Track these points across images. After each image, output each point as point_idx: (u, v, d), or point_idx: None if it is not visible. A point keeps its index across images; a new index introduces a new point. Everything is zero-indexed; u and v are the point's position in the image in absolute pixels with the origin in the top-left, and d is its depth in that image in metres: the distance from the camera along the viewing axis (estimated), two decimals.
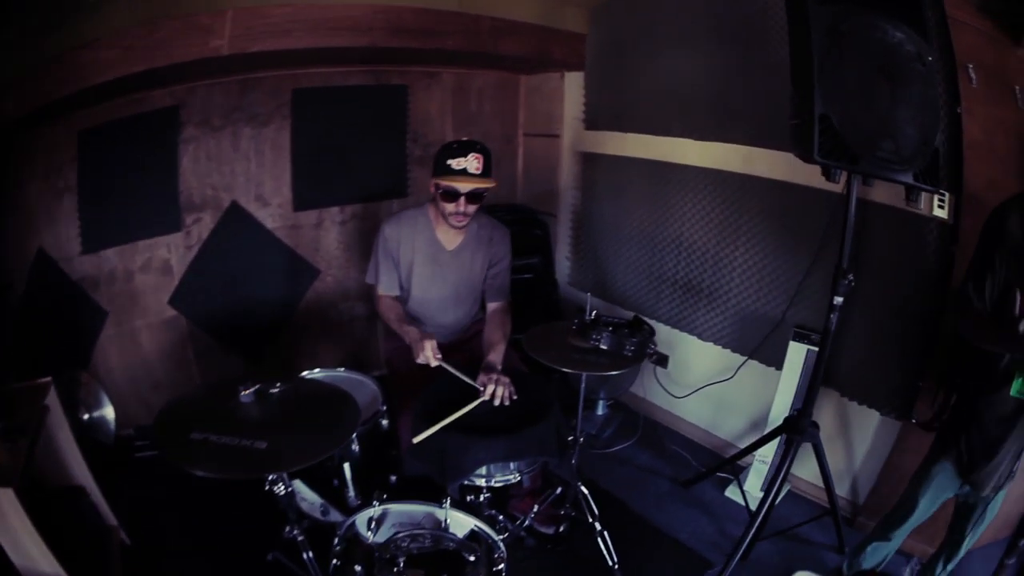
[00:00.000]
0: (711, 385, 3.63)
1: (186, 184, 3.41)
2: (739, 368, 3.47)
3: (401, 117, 4.07)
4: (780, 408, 3.17)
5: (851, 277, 2.44)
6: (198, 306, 3.61)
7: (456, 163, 2.53)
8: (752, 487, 3.29)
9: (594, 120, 4.17)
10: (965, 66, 2.53)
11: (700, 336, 3.70)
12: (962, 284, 2.11)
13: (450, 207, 2.60)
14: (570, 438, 2.61)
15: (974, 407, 2.15)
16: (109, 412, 2.98)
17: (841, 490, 3.17)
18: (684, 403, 3.87)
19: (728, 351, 3.57)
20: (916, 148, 2.26)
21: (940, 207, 2.58)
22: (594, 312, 2.64)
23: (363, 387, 2.76)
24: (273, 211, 3.76)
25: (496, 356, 2.59)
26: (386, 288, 2.81)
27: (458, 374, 2.42)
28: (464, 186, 2.55)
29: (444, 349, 2.53)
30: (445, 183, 2.56)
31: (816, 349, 2.81)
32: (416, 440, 2.16)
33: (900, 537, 2.49)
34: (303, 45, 2.86)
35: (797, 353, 3.10)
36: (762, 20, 3.09)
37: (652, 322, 3.74)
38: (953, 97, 2.56)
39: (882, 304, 2.89)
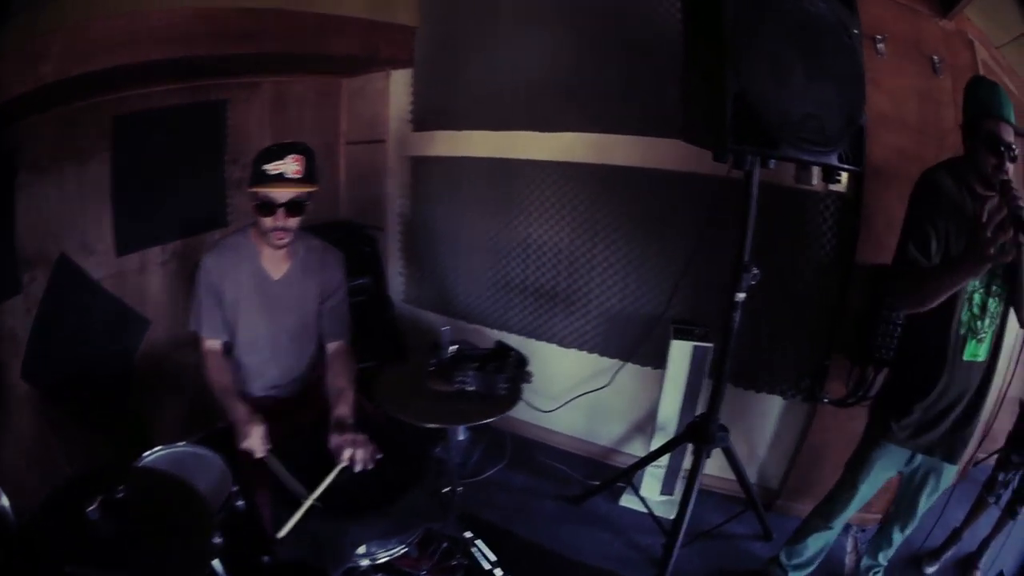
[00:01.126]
0: (586, 395, 3.39)
1: (20, 239, 2.84)
2: (616, 373, 3.26)
3: (219, 136, 3.53)
4: (669, 410, 3.00)
5: (756, 271, 2.28)
6: (47, 377, 3.00)
7: (272, 167, 2.18)
8: (650, 492, 3.11)
9: (423, 120, 3.78)
10: (872, 37, 2.51)
11: (561, 343, 3.45)
12: (900, 252, 2.03)
13: (268, 222, 2.22)
14: (446, 490, 2.42)
15: (920, 378, 2.11)
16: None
17: (751, 476, 3.09)
18: (553, 414, 3.56)
19: (596, 356, 3.36)
20: (842, 126, 2.08)
21: (836, 181, 2.40)
22: (453, 347, 2.42)
23: (209, 465, 2.24)
24: (99, 259, 3.16)
25: (346, 408, 2.21)
26: (210, 332, 2.35)
27: (286, 477, 2.00)
28: (282, 193, 2.19)
29: (285, 409, 2.31)
30: (262, 192, 2.20)
31: (703, 345, 2.80)
32: (280, 535, 1.83)
33: (841, 523, 2.45)
34: (123, 62, 2.45)
35: (681, 351, 2.90)
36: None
37: (504, 334, 3.50)
38: None
39: (778, 288, 2.77)
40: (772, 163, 2.11)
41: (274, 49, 3.01)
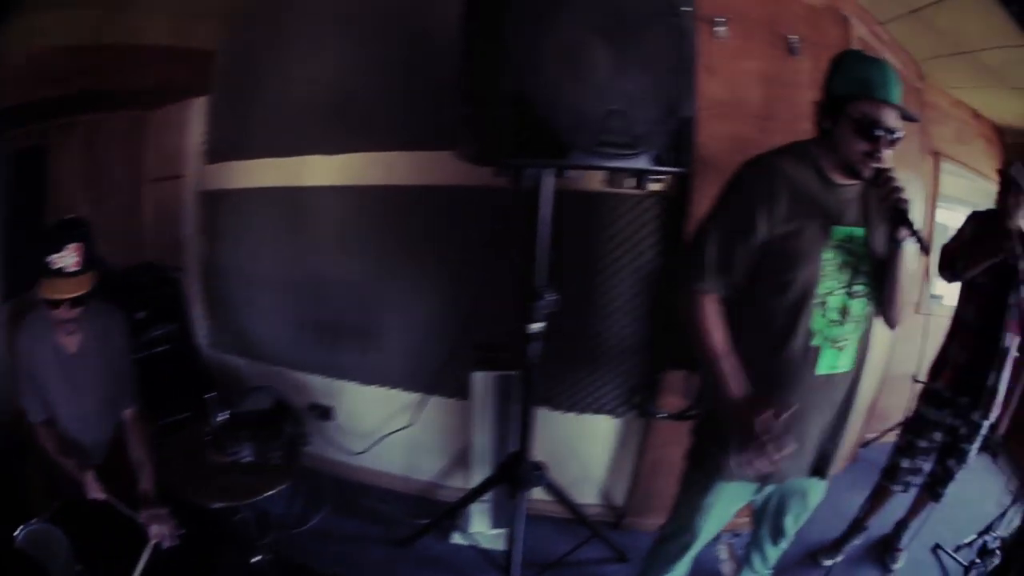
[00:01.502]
0: (394, 433, 3.15)
1: None
2: (422, 408, 3.03)
3: (37, 188, 3.32)
4: (481, 444, 2.79)
5: (552, 297, 2.04)
6: None
7: (53, 260, 2.16)
8: (481, 526, 2.88)
9: (217, 151, 3.48)
10: (711, 19, 2.31)
11: (362, 381, 3.21)
12: (695, 250, 1.72)
13: (54, 315, 2.21)
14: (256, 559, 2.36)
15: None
16: None
17: (592, 497, 2.97)
18: (370, 453, 3.31)
19: (400, 391, 3.12)
20: (656, 121, 1.77)
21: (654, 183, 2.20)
22: (224, 413, 2.35)
23: (54, 543, 2.17)
24: None
25: (148, 482, 2.27)
26: (33, 414, 2.36)
27: (123, 509, 2.17)
28: (62, 295, 2.17)
29: (111, 476, 2.25)
30: (43, 290, 2.17)
31: (507, 374, 2.60)
32: None
33: (687, 565, 2.11)
34: None
35: (483, 382, 2.68)
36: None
37: (307, 375, 3.30)
38: None
39: (595, 300, 2.61)
40: (567, 173, 1.84)
41: (88, 87, 2.99)
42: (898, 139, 1.58)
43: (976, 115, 4.12)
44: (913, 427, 2.59)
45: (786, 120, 2.31)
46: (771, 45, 2.38)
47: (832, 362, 1.70)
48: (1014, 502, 3.02)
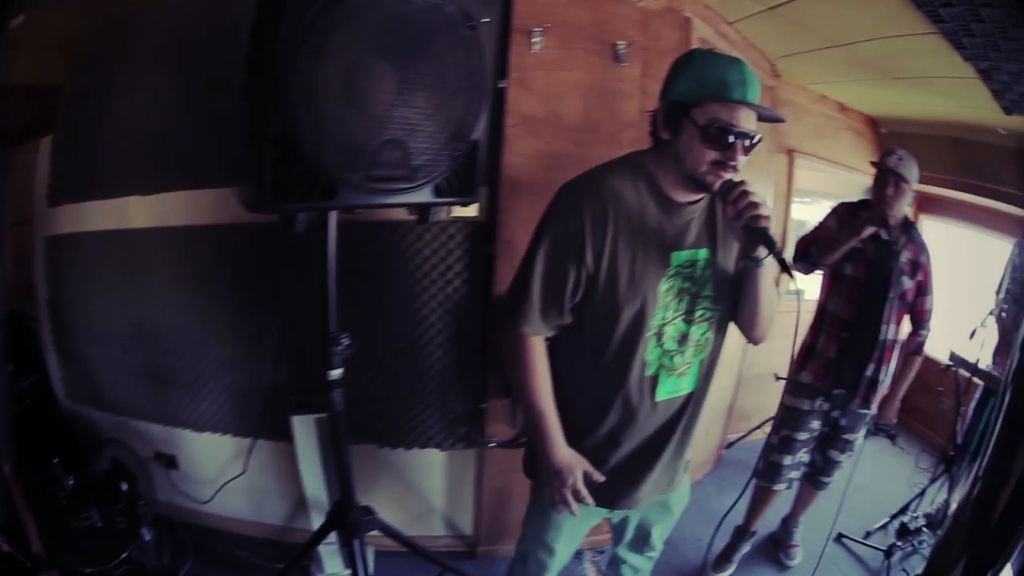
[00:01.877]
0: (233, 480, 3.01)
1: None
2: (248, 455, 2.90)
3: None
4: (314, 487, 2.67)
5: (346, 341, 1.91)
6: None
7: None
8: (333, 567, 2.77)
9: (58, 194, 3.28)
10: (528, 30, 2.17)
11: (196, 428, 3.07)
12: (517, 286, 1.55)
13: None
14: None
15: (585, 426, 1.63)
16: None
17: (440, 529, 2.90)
18: (219, 500, 3.17)
19: (230, 436, 3.01)
20: (440, 148, 1.62)
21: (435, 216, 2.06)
22: (69, 478, 2.26)
23: None
24: None
25: (35, 541, 2.07)
26: None
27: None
28: None
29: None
30: None
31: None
32: None
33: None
34: None
35: (304, 426, 2.54)
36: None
37: (148, 424, 3.13)
38: (498, 70, 2.05)
39: (410, 336, 2.47)
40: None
41: None
42: (755, 144, 1.41)
43: (843, 108, 4.10)
44: (788, 422, 2.54)
45: (607, 132, 2.21)
46: (595, 53, 2.24)
47: (672, 388, 1.58)
48: (937, 477, 3.10)
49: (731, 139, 1.36)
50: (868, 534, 3.05)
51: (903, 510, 3.25)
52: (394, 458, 2.73)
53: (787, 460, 2.55)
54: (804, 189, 3.99)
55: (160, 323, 2.95)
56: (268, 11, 1.38)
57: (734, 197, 1.38)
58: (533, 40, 2.14)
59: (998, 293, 3.31)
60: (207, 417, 3.00)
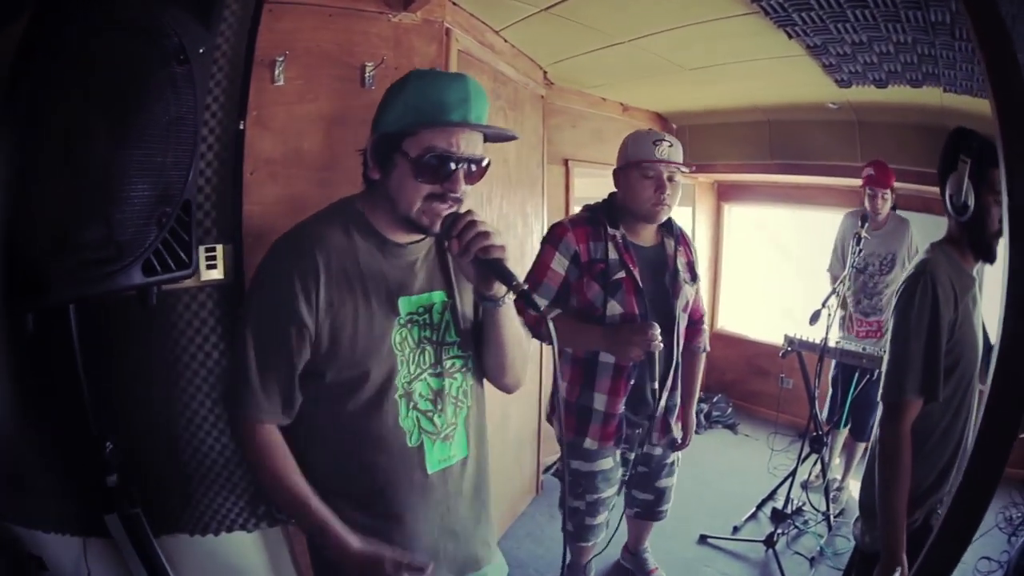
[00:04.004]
0: None
1: None
2: (84, 553, 2.50)
3: None
4: None
5: (109, 446, 1.72)
6: None
7: None
8: None
9: None
10: (271, 61, 1.92)
11: (43, 529, 2.64)
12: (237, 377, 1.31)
13: None
14: None
15: (355, 509, 1.36)
16: None
17: None
18: None
19: (70, 536, 2.57)
20: (146, 216, 1.36)
21: (211, 266, 1.84)
22: None
23: None
24: None
25: None
26: None
27: None
28: None
29: None
30: None
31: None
32: None
33: None
34: None
35: (116, 524, 2.18)
36: None
37: (17, 528, 2.68)
38: (237, 110, 1.83)
39: (182, 417, 2.15)
40: None
41: None
42: (483, 169, 1.25)
43: (625, 108, 4.12)
44: (589, 487, 2.24)
45: (352, 168, 1.93)
46: (340, 80, 2.03)
47: (442, 455, 1.36)
48: (809, 454, 3.11)
49: (452, 167, 1.19)
50: (736, 529, 3.01)
51: (771, 495, 3.28)
52: (214, 544, 2.43)
53: (600, 518, 2.31)
54: (586, 198, 3.96)
55: None
56: None
57: (458, 230, 1.19)
58: (276, 72, 1.90)
59: (835, 270, 3.49)
60: (47, 517, 2.60)
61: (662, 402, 2.15)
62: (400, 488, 1.33)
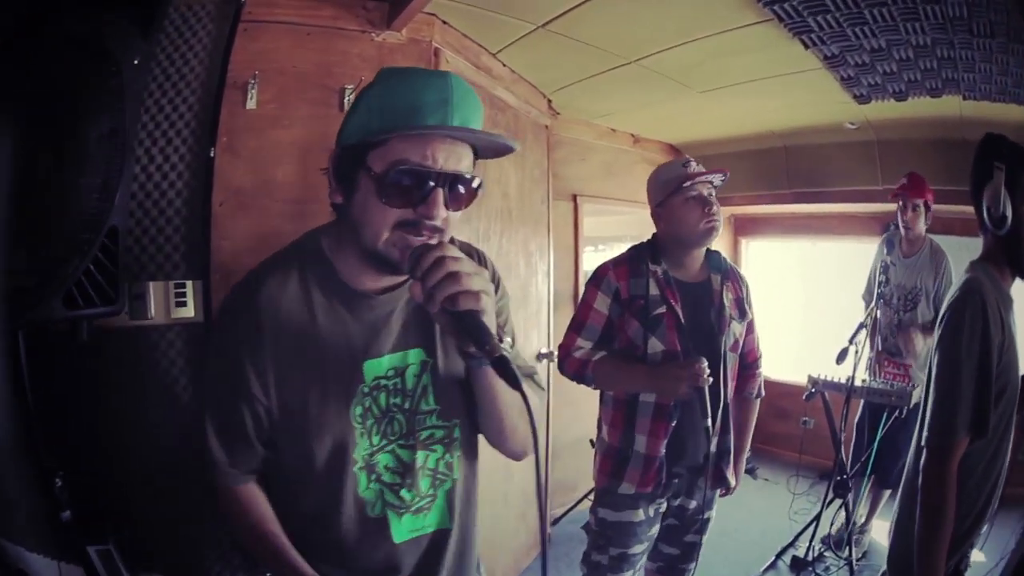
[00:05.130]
0: None
1: None
2: None
3: None
4: None
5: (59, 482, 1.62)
6: None
7: None
8: None
9: None
10: (244, 83, 1.81)
11: (27, 547, 2.72)
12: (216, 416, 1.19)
13: None
14: None
15: None
16: None
17: None
18: None
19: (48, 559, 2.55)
20: (68, 244, 1.20)
21: (181, 303, 1.73)
22: None
23: None
24: None
25: None
26: None
27: None
28: None
29: None
30: None
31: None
32: None
33: None
34: None
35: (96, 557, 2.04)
36: None
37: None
38: (207, 135, 1.72)
39: (148, 463, 1.99)
40: None
41: None
42: (474, 191, 1.01)
43: (637, 140, 3.96)
44: (616, 540, 2.06)
45: (327, 200, 1.83)
46: (318, 103, 1.90)
47: (413, 526, 1.17)
48: (830, 502, 3.02)
49: (428, 185, 0.94)
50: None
51: (792, 543, 3.20)
52: None
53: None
54: (596, 237, 3.76)
55: None
56: None
57: (424, 269, 0.91)
58: (249, 95, 1.79)
59: (868, 298, 3.25)
60: (24, 536, 2.55)
61: (713, 444, 1.98)
62: (372, 554, 1.16)
